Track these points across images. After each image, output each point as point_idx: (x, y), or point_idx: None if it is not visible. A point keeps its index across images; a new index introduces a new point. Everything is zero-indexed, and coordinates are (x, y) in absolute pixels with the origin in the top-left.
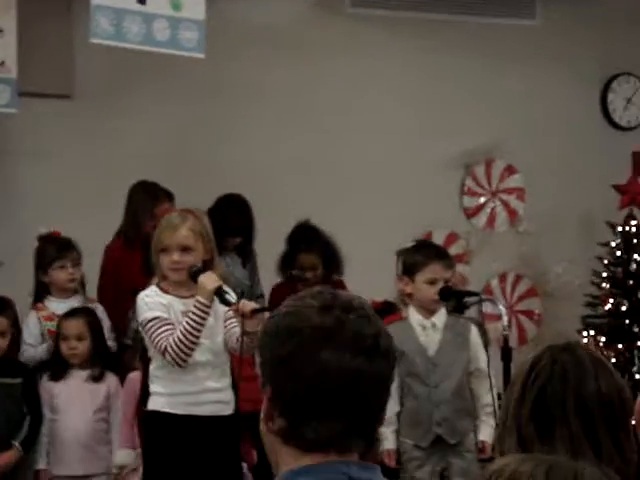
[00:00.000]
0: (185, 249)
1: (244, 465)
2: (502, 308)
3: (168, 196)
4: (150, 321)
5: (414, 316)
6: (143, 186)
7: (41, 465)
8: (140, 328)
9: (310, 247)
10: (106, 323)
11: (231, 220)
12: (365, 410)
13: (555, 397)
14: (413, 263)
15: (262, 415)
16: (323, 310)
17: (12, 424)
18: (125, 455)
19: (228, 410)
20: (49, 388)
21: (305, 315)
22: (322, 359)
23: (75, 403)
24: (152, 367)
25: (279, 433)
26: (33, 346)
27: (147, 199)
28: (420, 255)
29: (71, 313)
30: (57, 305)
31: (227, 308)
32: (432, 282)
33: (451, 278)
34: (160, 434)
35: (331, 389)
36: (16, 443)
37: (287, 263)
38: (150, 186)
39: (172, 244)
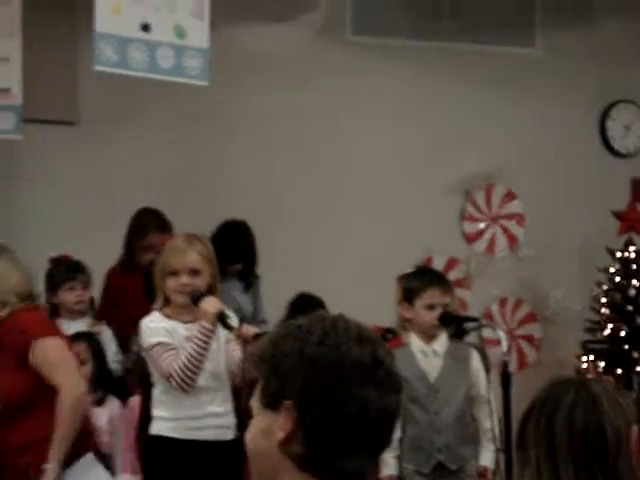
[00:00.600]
0: (194, 272)
1: None
2: (501, 333)
3: (162, 227)
4: (154, 346)
5: (415, 342)
6: (140, 214)
7: None
8: (144, 353)
9: None
10: (112, 346)
11: (233, 246)
12: (387, 443)
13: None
14: (412, 288)
15: (271, 431)
16: (359, 343)
17: None
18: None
19: (230, 435)
20: None
21: (345, 347)
22: (365, 396)
23: None
24: (156, 392)
25: (296, 458)
26: None
27: (138, 228)
28: (418, 280)
29: (73, 337)
30: (67, 326)
31: (227, 332)
32: (431, 307)
33: (450, 303)
34: (162, 459)
35: (371, 427)
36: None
37: None
38: (144, 216)
39: (181, 267)
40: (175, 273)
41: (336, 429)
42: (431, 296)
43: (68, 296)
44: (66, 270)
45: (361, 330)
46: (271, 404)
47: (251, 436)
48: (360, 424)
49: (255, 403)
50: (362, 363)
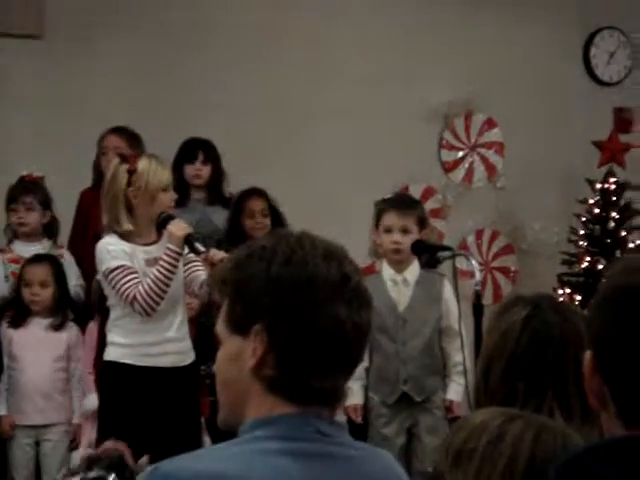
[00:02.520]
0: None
1: (202, 419)
2: (475, 263)
3: (114, 129)
4: (114, 270)
5: (386, 270)
6: (104, 132)
7: (2, 411)
8: (101, 277)
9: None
10: (74, 270)
11: (194, 155)
12: (359, 360)
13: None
14: (376, 213)
15: (240, 356)
16: (326, 260)
17: None
18: (95, 398)
19: (188, 360)
20: (8, 335)
21: (312, 264)
22: (336, 313)
23: (34, 351)
24: (112, 317)
25: (267, 380)
26: None
27: (98, 140)
28: (380, 205)
29: (35, 259)
30: (23, 248)
31: (186, 254)
32: (388, 230)
33: (428, 233)
34: (117, 385)
35: (342, 344)
36: None
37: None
38: (107, 130)
39: (171, 182)
40: (166, 189)
41: (308, 348)
42: (388, 219)
43: (11, 218)
44: (13, 190)
45: (327, 246)
46: (238, 329)
47: (219, 363)
48: (332, 341)
49: (220, 329)
50: (331, 280)
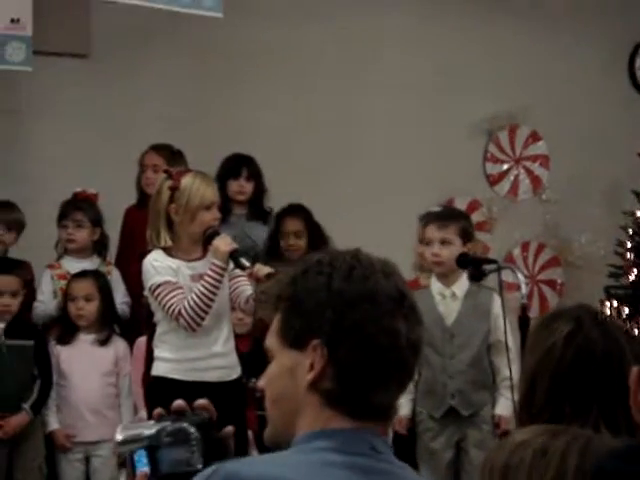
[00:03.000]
0: (219, 208)
1: (249, 432)
2: (521, 276)
3: (154, 147)
4: (160, 285)
5: (435, 284)
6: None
7: (54, 426)
8: (148, 293)
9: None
10: (121, 287)
11: (237, 172)
12: (412, 377)
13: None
14: (420, 227)
15: (296, 370)
16: (385, 276)
17: (22, 387)
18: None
19: (234, 374)
20: (56, 352)
21: (372, 280)
22: (395, 328)
23: (82, 367)
24: (158, 332)
25: (324, 394)
26: (44, 303)
27: (141, 157)
28: (423, 218)
29: (80, 274)
30: (72, 264)
31: (231, 269)
32: (427, 243)
33: (472, 247)
34: (165, 400)
35: (400, 359)
36: (26, 406)
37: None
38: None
39: (215, 201)
40: (209, 207)
41: (368, 363)
42: (428, 232)
43: (61, 234)
44: (64, 207)
45: (384, 262)
46: (295, 343)
47: (272, 378)
48: (390, 357)
49: (273, 344)
50: (391, 296)
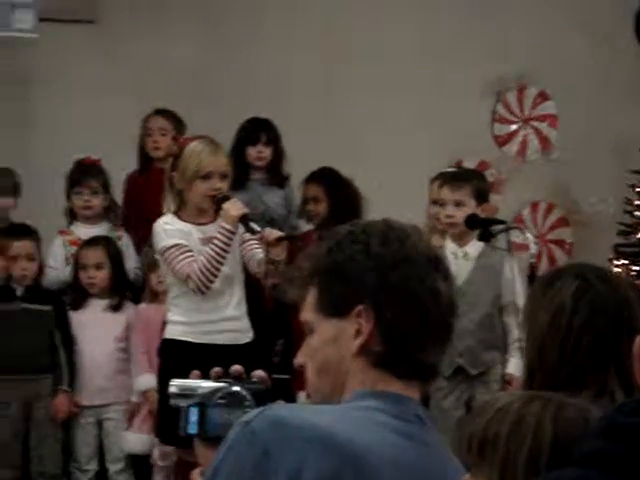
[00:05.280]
0: (223, 176)
1: None
2: (530, 236)
3: (159, 111)
4: (170, 248)
5: (449, 244)
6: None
7: (64, 386)
8: (158, 256)
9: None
10: (132, 252)
11: (257, 137)
12: (451, 335)
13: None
14: (432, 188)
15: (340, 338)
16: (420, 239)
17: (39, 350)
18: (147, 379)
19: (245, 338)
20: (68, 317)
21: (409, 243)
22: (437, 287)
23: (93, 332)
24: (170, 296)
25: (373, 356)
26: (56, 269)
27: (142, 123)
28: (436, 179)
29: (90, 242)
30: (84, 231)
31: (242, 233)
32: (442, 204)
33: (485, 207)
34: (177, 362)
35: (443, 318)
36: (64, 387)
37: None
38: (150, 113)
39: (215, 170)
40: (207, 176)
41: (414, 323)
42: (442, 193)
43: (76, 201)
44: (76, 174)
45: (414, 227)
46: (337, 311)
47: (315, 349)
48: (435, 316)
49: (310, 316)
50: (428, 257)
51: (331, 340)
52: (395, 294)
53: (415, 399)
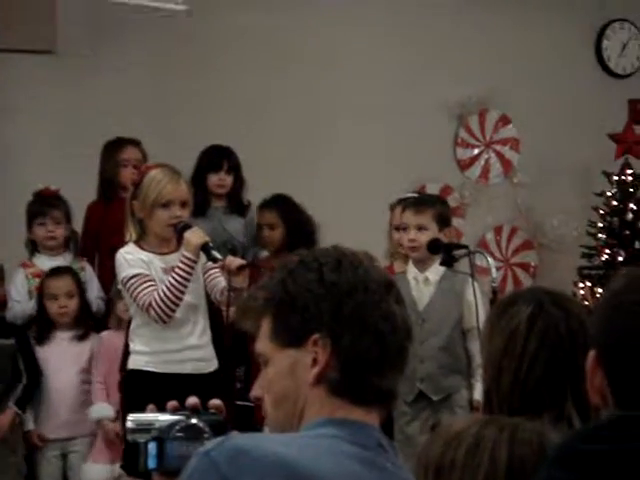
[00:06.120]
0: (183, 204)
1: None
2: (491, 260)
3: (132, 142)
4: (132, 278)
5: (411, 269)
6: (107, 143)
7: (30, 426)
8: (120, 286)
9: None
10: (95, 282)
11: (219, 165)
12: (407, 360)
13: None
14: (393, 213)
15: (296, 368)
16: (372, 264)
17: (4, 385)
18: (101, 408)
19: (210, 367)
20: (33, 351)
21: (361, 269)
22: (392, 312)
23: (59, 366)
24: (133, 325)
25: (329, 385)
26: (20, 303)
27: (109, 152)
28: (398, 203)
29: (56, 271)
30: (47, 262)
31: (205, 262)
32: (404, 228)
33: (447, 232)
34: (141, 393)
35: (398, 343)
36: (11, 404)
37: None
38: (113, 140)
39: (175, 199)
40: (167, 205)
41: (371, 349)
42: (404, 217)
43: (39, 232)
44: (38, 205)
45: (365, 253)
46: (293, 341)
47: (271, 381)
48: (391, 341)
49: (265, 347)
50: (380, 282)
51: (287, 371)
52: (350, 321)
53: (375, 426)
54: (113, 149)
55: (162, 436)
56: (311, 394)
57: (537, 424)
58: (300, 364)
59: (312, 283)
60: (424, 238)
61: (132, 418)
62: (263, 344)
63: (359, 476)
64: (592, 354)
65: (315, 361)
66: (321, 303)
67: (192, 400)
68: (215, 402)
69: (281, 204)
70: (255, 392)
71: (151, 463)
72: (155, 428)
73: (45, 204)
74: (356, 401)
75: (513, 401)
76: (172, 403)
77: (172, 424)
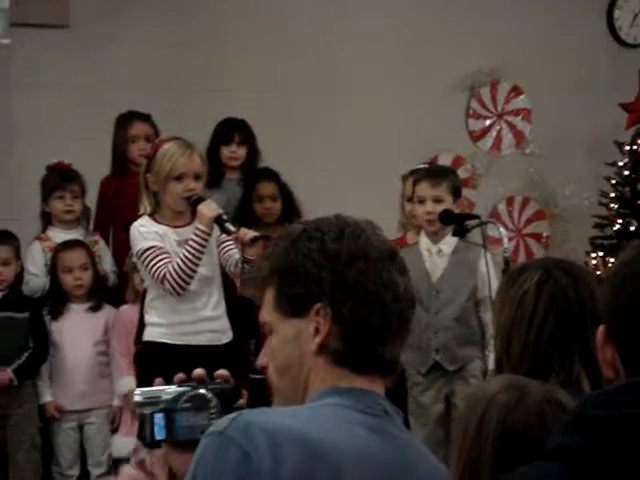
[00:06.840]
0: (197, 177)
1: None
2: (503, 231)
3: (141, 116)
4: (146, 250)
5: (423, 241)
6: (118, 118)
7: (47, 398)
8: (135, 259)
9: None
10: (108, 256)
11: (230, 137)
12: (410, 330)
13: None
14: (408, 185)
15: (300, 337)
16: (374, 233)
17: (11, 354)
18: (128, 381)
19: (224, 339)
20: (48, 325)
21: (364, 238)
22: (394, 281)
23: (75, 338)
24: (148, 298)
25: (332, 354)
26: (37, 276)
27: (120, 127)
28: (413, 175)
29: (68, 244)
30: (62, 236)
31: (218, 235)
32: (421, 201)
33: (459, 203)
34: (156, 365)
35: (401, 312)
36: (8, 369)
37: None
38: (123, 115)
39: (187, 171)
40: (180, 177)
41: (372, 318)
42: (420, 190)
43: (57, 205)
44: (57, 179)
45: (368, 222)
46: (296, 311)
47: (275, 350)
48: (393, 310)
49: (269, 317)
50: (383, 251)
51: (291, 340)
52: (352, 291)
53: (380, 393)
54: (123, 124)
55: (170, 407)
56: (315, 364)
57: (549, 387)
58: (303, 333)
59: (314, 252)
60: (440, 210)
61: (139, 392)
62: (267, 313)
63: (366, 442)
64: (602, 328)
65: (317, 330)
66: (323, 272)
67: (198, 371)
68: (221, 372)
69: (276, 177)
70: (261, 361)
71: (159, 434)
72: (162, 400)
73: (64, 178)
74: (359, 370)
75: (523, 366)
76: (179, 376)
77: (179, 395)
